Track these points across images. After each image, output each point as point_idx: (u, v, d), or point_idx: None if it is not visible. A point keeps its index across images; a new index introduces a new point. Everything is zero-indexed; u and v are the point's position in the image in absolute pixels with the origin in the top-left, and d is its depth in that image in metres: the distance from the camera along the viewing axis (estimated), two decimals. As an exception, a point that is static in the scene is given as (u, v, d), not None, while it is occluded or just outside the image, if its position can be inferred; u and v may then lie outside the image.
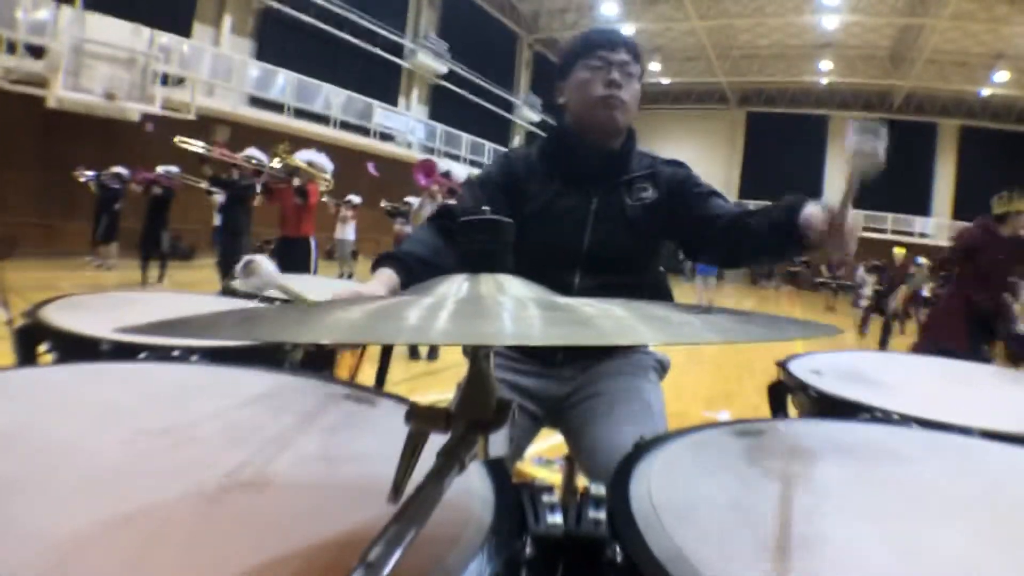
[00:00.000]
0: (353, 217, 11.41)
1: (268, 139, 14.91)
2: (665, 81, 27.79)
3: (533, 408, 1.44)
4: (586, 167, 1.43)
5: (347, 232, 11.38)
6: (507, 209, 1.24)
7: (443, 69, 20.82)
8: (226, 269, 6.50)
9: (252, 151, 6.74)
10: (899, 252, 11.48)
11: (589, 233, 1.40)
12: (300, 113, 15.53)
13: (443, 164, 6.37)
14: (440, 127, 20.75)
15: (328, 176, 6.01)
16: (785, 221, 1.18)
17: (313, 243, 5.68)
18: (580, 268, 1.40)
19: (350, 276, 9.70)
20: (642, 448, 0.85)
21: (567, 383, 1.44)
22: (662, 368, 1.53)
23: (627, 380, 1.40)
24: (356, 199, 11.49)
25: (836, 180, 27.25)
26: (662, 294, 1.53)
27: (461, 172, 6.01)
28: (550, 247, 1.38)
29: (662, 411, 1.37)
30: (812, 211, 1.14)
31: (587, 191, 1.42)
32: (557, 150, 1.47)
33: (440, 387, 4.58)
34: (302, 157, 5.81)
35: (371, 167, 9.46)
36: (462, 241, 0.70)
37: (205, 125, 13.33)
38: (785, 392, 1.49)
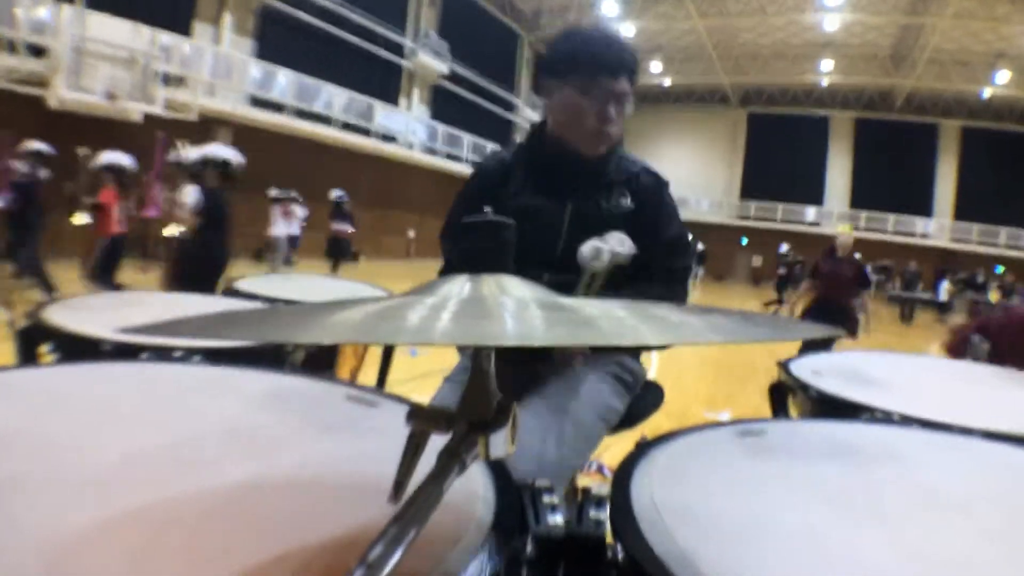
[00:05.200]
0: (292, 215, 10.68)
1: (269, 140, 14.93)
2: (666, 81, 27.78)
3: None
4: (565, 174, 1.40)
5: (290, 228, 10.60)
6: None
7: (444, 69, 20.80)
8: (23, 266, 6.51)
9: (36, 144, 6.66)
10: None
11: (564, 236, 1.38)
12: (301, 114, 15.51)
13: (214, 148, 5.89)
14: (441, 128, 20.75)
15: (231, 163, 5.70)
16: None
17: (111, 242, 5.86)
18: (554, 269, 1.35)
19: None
20: (644, 448, 0.85)
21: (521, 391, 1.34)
22: (633, 379, 1.43)
23: (580, 392, 1.30)
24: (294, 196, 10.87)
25: (837, 180, 27.27)
26: None
27: (226, 152, 5.57)
28: (524, 249, 1.30)
29: (599, 433, 1.30)
30: None
31: (564, 195, 1.39)
32: (537, 156, 1.42)
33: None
34: (204, 152, 5.49)
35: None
36: (463, 242, 0.70)
37: (206, 126, 13.35)
38: (786, 392, 1.49)
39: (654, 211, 1.42)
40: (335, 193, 12.16)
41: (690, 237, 1.56)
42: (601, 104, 1.32)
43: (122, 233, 6.08)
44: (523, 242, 1.31)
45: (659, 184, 1.45)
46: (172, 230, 4.75)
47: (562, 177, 1.39)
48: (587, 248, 1.28)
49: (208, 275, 4.35)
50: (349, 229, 12.23)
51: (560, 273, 1.34)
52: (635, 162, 1.46)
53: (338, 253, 11.98)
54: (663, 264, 1.42)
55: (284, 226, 10.56)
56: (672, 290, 1.43)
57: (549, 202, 1.39)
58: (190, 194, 4.41)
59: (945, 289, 17.40)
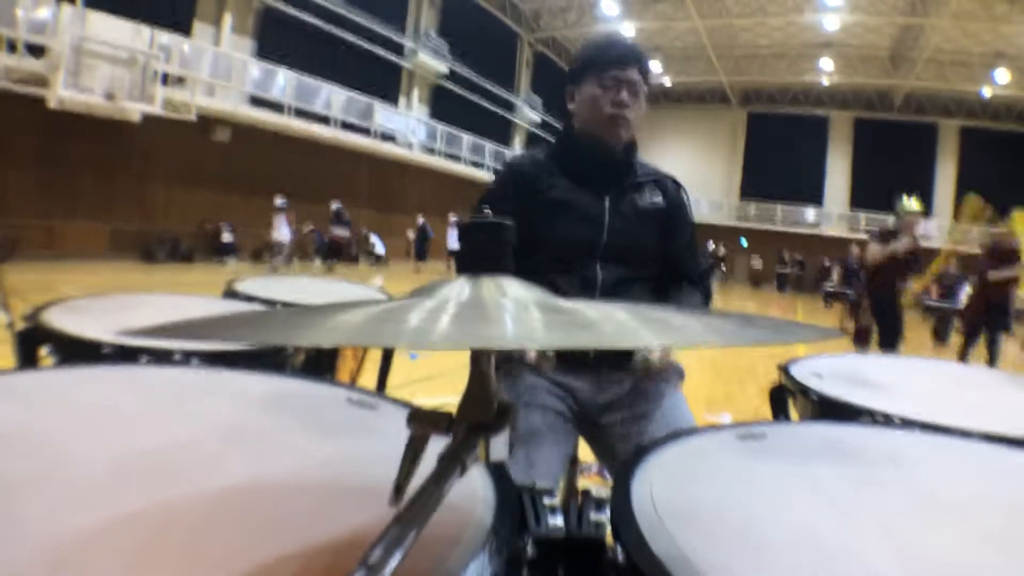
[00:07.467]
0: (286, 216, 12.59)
1: (268, 140, 14.89)
2: (666, 81, 27.75)
3: (571, 406, 1.42)
4: (593, 170, 1.49)
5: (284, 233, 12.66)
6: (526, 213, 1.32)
7: (444, 68, 20.78)
8: None
9: None
10: None
11: (608, 226, 1.46)
12: (300, 113, 15.49)
13: None
14: (441, 127, 20.72)
15: None
16: None
17: None
18: (601, 260, 1.45)
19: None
20: (644, 450, 0.85)
21: (604, 391, 1.44)
22: (681, 379, 1.60)
23: (667, 404, 1.49)
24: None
25: (836, 179, 27.27)
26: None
27: None
28: (570, 241, 1.44)
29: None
30: None
31: (598, 191, 1.47)
32: (566, 152, 1.52)
33: (441, 391, 4.58)
34: None
35: None
36: (462, 243, 0.70)
37: (205, 125, 13.34)
38: (786, 395, 1.49)
39: (681, 211, 1.56)
40: (335, 205, 14.34)
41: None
42: (615, 91, 1.44)
43: None
44: (567, 234, 1.43)
45: (679, 188, 1.60)
46: None
47: (594, 171, 1.48)
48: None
49: None
50: (346, 234, 14.40)
51: (609, 264, 1.45)
52: (655, 168, 1.59)
53: (336, 256, 14.40)
54: (693, 264, 1.58)
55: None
56: (707, 291, 1.60)
57: (586, 196, 1.47)
58: None
59: (967, 295, 11.92)
